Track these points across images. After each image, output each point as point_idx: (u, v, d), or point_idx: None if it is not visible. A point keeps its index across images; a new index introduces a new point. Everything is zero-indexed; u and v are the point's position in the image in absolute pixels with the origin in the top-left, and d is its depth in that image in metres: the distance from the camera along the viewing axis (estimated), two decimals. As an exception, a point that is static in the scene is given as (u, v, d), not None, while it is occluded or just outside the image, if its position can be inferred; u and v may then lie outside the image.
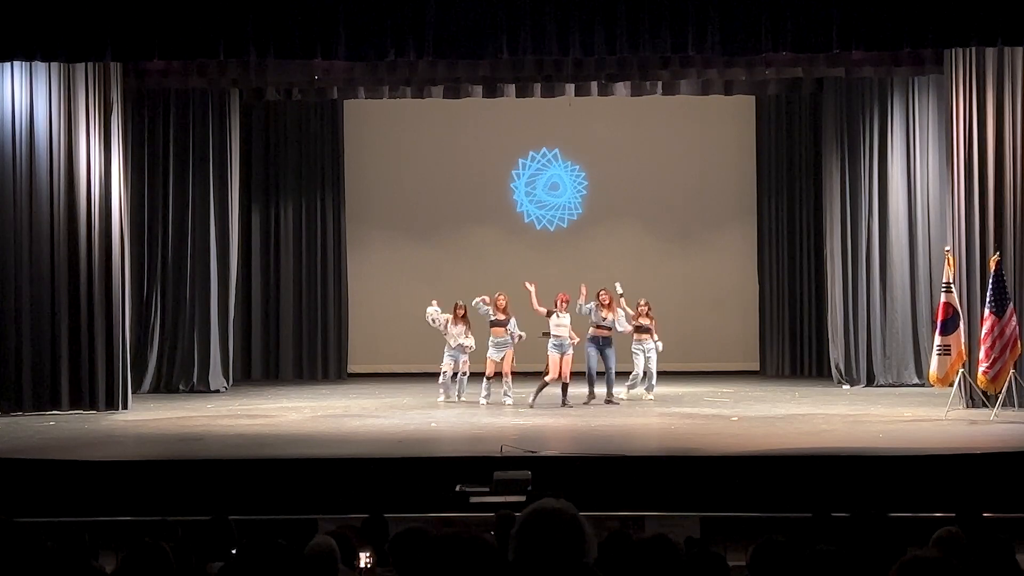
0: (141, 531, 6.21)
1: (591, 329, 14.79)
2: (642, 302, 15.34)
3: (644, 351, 15.22)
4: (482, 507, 9.51)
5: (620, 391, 15.14)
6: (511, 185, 19.43)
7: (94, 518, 9.06)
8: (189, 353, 16.98)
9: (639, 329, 15.21)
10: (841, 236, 17.11)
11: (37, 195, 14.20)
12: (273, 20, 12.20)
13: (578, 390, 14.79)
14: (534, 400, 14.43)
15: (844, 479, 10.23)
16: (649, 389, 15.28)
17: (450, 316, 15.09)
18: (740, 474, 10.43)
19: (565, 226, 19.44)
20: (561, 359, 14.49)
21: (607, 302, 14.76)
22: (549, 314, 14.63)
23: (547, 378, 14.56)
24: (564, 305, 14.62)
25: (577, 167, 19.42)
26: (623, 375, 15.37)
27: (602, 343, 14.70)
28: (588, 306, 14.78)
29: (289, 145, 18.90)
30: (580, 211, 19.44)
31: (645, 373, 15.28)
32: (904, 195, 16.78)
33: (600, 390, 14.80)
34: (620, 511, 9.44)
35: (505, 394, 14.84)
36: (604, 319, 14.70)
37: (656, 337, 15.30)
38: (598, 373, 14.76)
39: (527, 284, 14.93)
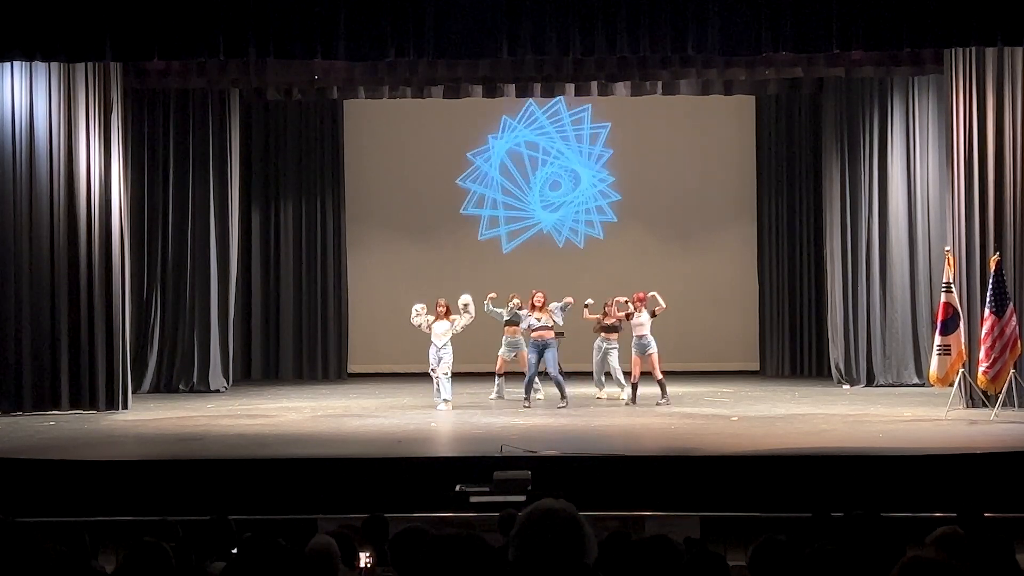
0: (141, 531, 6.20)
1: (532, 333, 14.68)
2: (609, 301, 15.20)
3: (603, 350, 15.18)
4: (482, 507, 9.52)
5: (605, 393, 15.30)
6: (489, 140, 19.40)
7: (94, 518, 9.06)
8: (189, 353, 16.98)
9: (606, 328, 15.13)
10: (841, 236, 17.11)
11: (37, 195, 14.21)
12: (273, 20, 12.20)
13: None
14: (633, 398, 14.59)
15: (844, 479, 10.23)
16: (621, 387, 15.16)
17: (431, 316, 14.62)
18: (740, 474, 10.43)
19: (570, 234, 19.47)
20: (640, 359, 14.53)
21: (541, 304, 14.70)
22: (629, 316, 14.65)
23: (634, 379, 14.68)
24: (641, 304, 14.67)
25: (602, 126, 19.40)
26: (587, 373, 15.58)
27: (542, 346, 14.53)
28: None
29: (289, 145, 18.90)
30: (582, 215, 19.45)
31: (608, 373, 15.30)
32: (904, 195, 16.78)
33: (544, 392, 14.78)
34: (620, 511, 9.44)
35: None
36: (539, 320, 14.62)
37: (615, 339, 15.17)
38: (542, 374, 14.71)
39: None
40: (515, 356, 15.17)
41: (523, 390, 14.56)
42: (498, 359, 15.33)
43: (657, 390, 14.69)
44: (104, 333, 14.40)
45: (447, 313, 14.60)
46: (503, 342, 15.30)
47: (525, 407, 14.32)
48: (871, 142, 16.96)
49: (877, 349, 16.82)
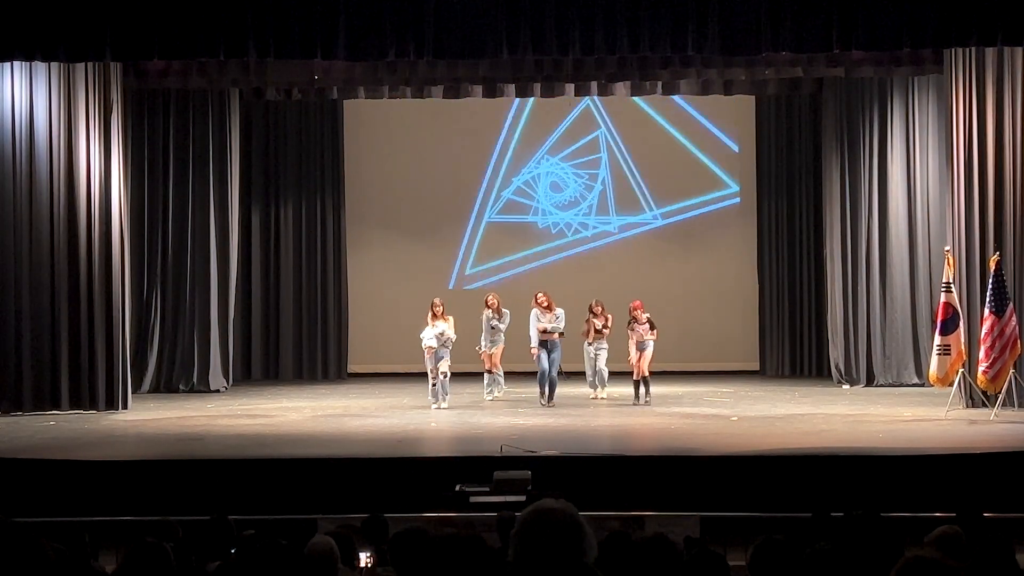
0: (141, 531, 6.20)
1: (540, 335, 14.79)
2: (594, 302, 15.24)
3: (595, 351, 15.20)
4: (482, 507, 9.52)
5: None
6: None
7: (94, 518, 9.06)
8: (189, 353, 16.98)
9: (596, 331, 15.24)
10: (841, 236, 17.10)
11: (37, 195, 14.21)
12: (273, 20, 12.20)
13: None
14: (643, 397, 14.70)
15: (844, 479, 10.23)
16: (601, 387, 15.25)
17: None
18: (740, 474, 10.43)
19: (573, 230, 19.46)
20: (640, 355, 14.62)
21: (546, 304, 14.78)
22: (630, 326, 14.75)
23: (635, 376, 14.78)
24: (639, 312, 14.76)
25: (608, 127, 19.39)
26: (580, 373, 15.60)
27: (549, 346, 14.65)
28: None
29: (289, 145, 18.89)
30: (591, 209, 19.42)
31: (597, 373, 15.34)
32: (904, 195, 16.78)
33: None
34: (620, 511, 9.44)
35: (496, 388, 15.32)
36: (545, 321, 14.73)
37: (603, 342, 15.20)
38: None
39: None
40: (491, 353, 15.21)
41: (542, 395, 14.71)
42: (484, 357, 15.26)
43: (635, 389, 14.80)
44: (104, 333, 14.40)
45: (443, 313, 14.60)
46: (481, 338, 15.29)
47: (543, 404, 14.51)
48: (871, 142, 16.96)
49: (877, 349, 16.82)
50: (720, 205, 19.26)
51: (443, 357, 14.43)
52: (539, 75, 14.82)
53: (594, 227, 19.36)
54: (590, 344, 15.18)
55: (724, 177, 19.23)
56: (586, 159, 19.36)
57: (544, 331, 14.68)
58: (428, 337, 14.45)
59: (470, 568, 3.31)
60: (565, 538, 3.28)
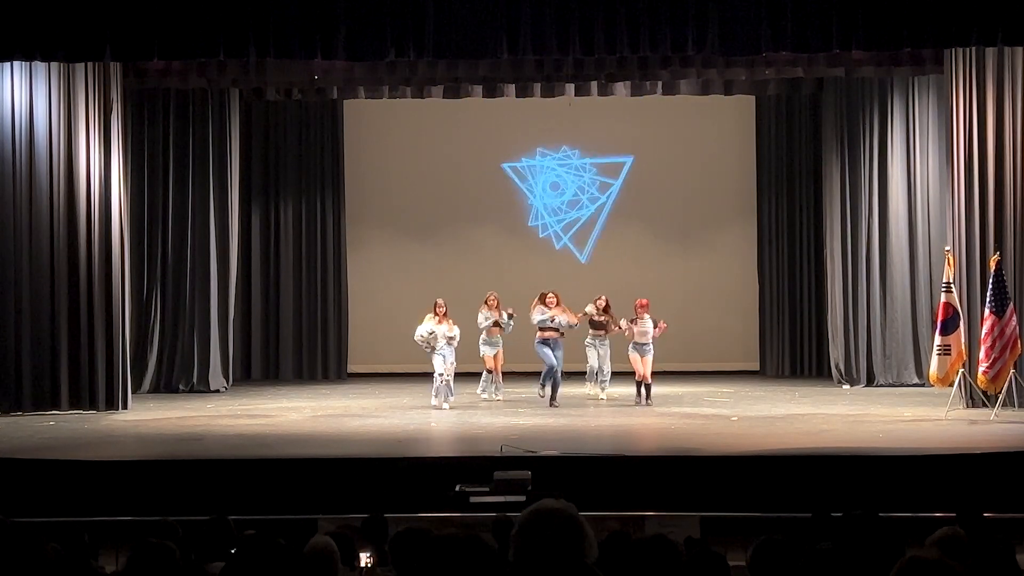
0: (141, 531, 6.20)
1: (539, 332, 14.77)
2: (600, 298, 15.25)
3: (597, 347, 15.22)
4: (482, 507, 9.52)
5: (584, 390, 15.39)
6: (524, 186, 19.40)
7: (94, 518, 9.06)
8: (189, 353, 16.98)
9: (594, 325, 15.18)
10: (841, 236, 17.11)
11: (37, 195, 14.20)
12: (273, 20, 12.20)
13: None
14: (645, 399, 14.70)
15: (844, 479, 10.23)
16: (602, 387, 15.25)
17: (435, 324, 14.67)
18: (740, 474, 10.43)
19: (569, 229, 19.46)
20: (642, 360, 14.64)
21: (554, 303, 14.80)
22: (633, 322, 14.74)
23: (636, 378, 14.79)
24: (643, 311, 14.75)
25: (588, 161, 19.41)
26: (579, 373, 15.59)
27: (552, 344, 14.67)
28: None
29: (289, 145, 18.89)
30: (587, 212, 19.41)
31: (598, 370, 15.34)
32: (904, 195, 16.78)
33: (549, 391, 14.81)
34: (620, 511, 9.44)
35: (496, 390, 15.25)
36: (552, 320, 14.74)
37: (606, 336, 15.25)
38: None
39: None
40: (495, 354, 15.21)
41: (543, 388, 14.66)
42: (486, 359, 15.26)
43: (637, 389, 14.83)
44: (104, 333, 14.40)
45: (446, 313, 14.65)
46: (485, 341, 15.24)
47: (540, 396, 14.53)
48: (871, 142, 16.96)
49: (877, 349, 16.82)
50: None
51: (447, 356, 14.44)
52: (539, 75, 14.81)
53: (564, 243, 19.35)
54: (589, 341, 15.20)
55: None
56: (598, 179, 19.36)
57: (549, 329, 14.69)
58: (425, 331, 14.49)
59: (470, 568, 3.31)
60: (565, 538, 3.28)
